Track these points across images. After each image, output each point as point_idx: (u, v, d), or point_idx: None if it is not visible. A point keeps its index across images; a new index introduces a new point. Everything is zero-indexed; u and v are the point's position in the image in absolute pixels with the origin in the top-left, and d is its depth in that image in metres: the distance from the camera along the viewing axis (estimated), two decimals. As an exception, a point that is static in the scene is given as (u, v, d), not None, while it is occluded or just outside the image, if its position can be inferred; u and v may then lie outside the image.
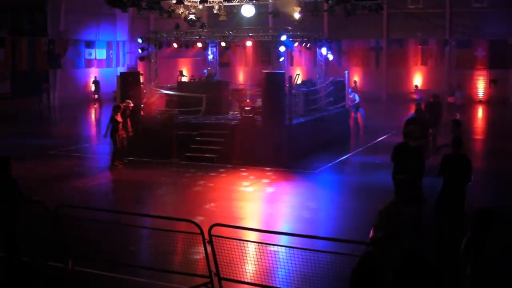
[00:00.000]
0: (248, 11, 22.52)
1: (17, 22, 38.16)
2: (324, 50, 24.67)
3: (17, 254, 9.96)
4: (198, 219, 9.42)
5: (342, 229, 12.46)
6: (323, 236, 8.90)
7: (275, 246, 9.33)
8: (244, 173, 17.91)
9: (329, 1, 23.22)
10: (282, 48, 22.95)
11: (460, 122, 13.87)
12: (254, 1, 23.32)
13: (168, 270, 9.66)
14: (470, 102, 38.46)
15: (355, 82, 38.03)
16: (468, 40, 39.11)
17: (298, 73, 31.87)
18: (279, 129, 19.34)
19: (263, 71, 21.08)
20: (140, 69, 34.78)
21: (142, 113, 21.66)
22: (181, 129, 20.35)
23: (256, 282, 9.16)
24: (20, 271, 9.85)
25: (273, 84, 19.63)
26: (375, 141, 23.70)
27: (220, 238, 8.73)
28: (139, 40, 24.09)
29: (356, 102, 25.73)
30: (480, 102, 39.56)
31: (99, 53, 43.83)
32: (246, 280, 9.10)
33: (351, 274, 6.82)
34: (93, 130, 30.56)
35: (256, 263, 9.29)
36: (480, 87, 40.02)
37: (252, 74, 42.83)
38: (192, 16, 23.92)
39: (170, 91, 23.76)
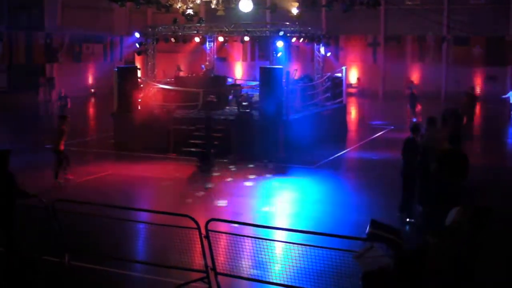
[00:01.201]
0: (246, 6, 22.45)
1: (15, 16, 38.04)
2: (322, 47, 24.68)
3: (15, 249, 9.96)
4: (195, 214, 9.40)
5: (339, 224, 12.47)
6: (320, 231, 8.90)
7: (271, 241, 9.34)
8: (241, 168, 17.91)
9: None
10: (279, 43, 22.93)
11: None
12: (252, -4, 23.28)
13: (164, 265, 9.66)
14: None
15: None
16: (466, 37, 39.09)
17: (295, 68, 31.84)
18: (276, 124, 19.34)
19: (261, 66, 21.07)
20: (138, 63, 34.71)
21: (139, 108, 21.68)
22: (178, 124, 20.34)
23: (253, 277, 9.17)
24: (18, 265, 9.84)
25: (271, 79, 19.63)
26: (372, 137, 23.72)
27: (216, 233, 8.73)
28: (137, 35, 24.04)
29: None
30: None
31: (97, 47, 43.70)
32: (242, 275, 9.12)
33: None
34: (90, 124, 30.51)
35: (253, 258, 9.30)
36: (477, 84, 40.00)
37: (250, 69, 42.83)
38: (190, 11, 23.84)
39: (168, 85, 23.74)
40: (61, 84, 39.86)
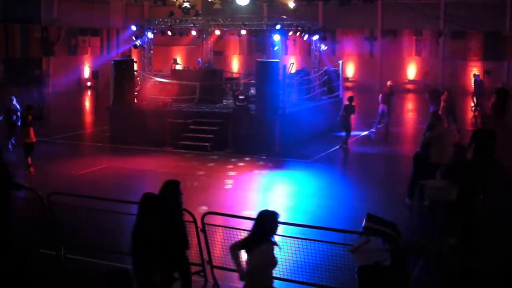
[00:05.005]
0: (243, -1, 22.45)
1: (10, 9, 37.84)
2: (317, 39, 24.63)
3: (9, 241, 9.94)
4: (191, 207, 9.39)
5: (334, 218, 12.48)
6: (316, 225, 8.91)
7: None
8: (237, 162, 17.91)
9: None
10: (276, 37, 22.89)
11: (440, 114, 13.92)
12: (249, -10, 23.24)
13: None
14: (463, 93, 38.41)
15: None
16: (462, 31, 39.08)
17: (292, 62, 31.83)
18: (272, 118, 19.32)
19: (257, 60, 21.03)
20: (134, 56, 34.63)
21: (135, 101, 21.64)
22: (175, 117, 20.32)
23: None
24: (10, 257, 9.82)
25: (267, 73, 19.59)
26: (368, 131, 23.71)
27: (212, 226, 8.73)
28: (133, 28, 23.97)
29: None
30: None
31: (93, 41, 43.56)
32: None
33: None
34: (86, 117, 30.45)
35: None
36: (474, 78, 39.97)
37: (246, 62, 42.78)
38: (186, 4, 23.82)
39: (164, 79, 23.70)
40: (56, 77, 39.86)
